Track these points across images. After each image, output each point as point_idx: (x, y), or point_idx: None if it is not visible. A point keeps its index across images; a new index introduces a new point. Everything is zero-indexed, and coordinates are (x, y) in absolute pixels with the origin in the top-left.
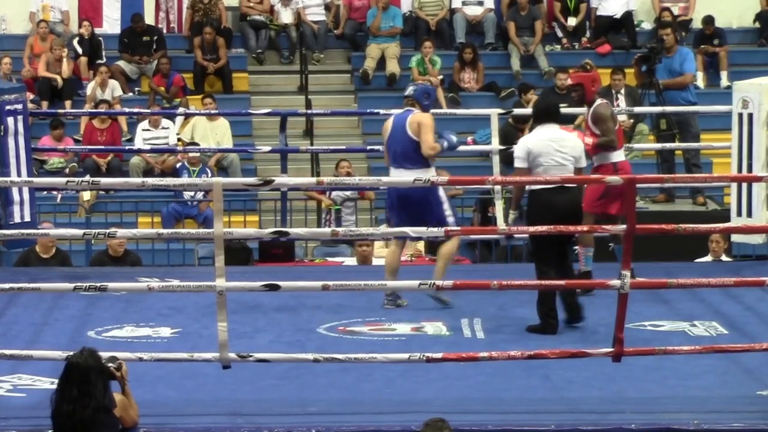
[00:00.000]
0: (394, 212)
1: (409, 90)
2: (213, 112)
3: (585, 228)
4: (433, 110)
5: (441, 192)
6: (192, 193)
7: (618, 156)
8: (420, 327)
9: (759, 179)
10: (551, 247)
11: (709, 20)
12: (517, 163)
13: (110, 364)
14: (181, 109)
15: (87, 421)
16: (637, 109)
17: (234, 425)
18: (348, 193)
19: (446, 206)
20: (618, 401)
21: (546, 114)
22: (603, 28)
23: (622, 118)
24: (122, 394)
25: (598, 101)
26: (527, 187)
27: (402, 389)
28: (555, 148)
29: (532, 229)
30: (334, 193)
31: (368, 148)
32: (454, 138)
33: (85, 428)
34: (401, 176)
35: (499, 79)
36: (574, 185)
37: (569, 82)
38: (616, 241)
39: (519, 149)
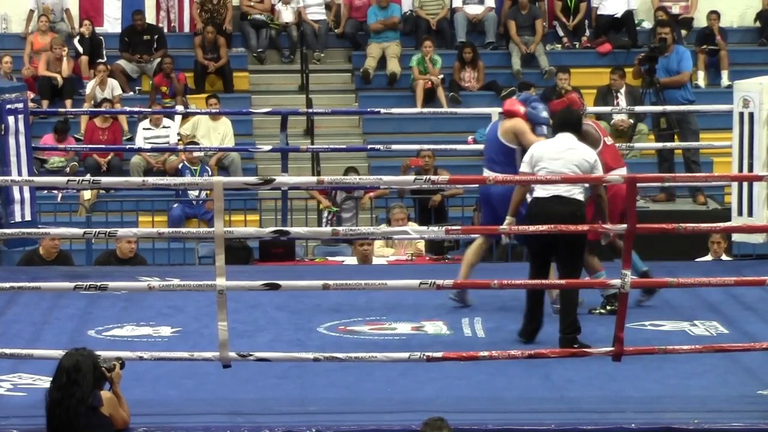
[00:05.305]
0: (483, 210)
1: None
2: (214, 111)
3: (586, 227)
4: (433, 109)
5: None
6: (196, 193)
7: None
8: (420, 326)
9: (760, 178)
10: (538, 255)
11: (714, 15)
12: (522, 168)
13: (103, 365)
14: (180, 108)
15: (71, 412)
16: (637, 109)
17: (234, 424)
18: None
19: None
20: (618, 400)
21: (564, 124)
22: (603, 27)
23: (622, 117)
24: (111, 394)
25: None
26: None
27: (402, 388)
28: (557, 156)
29: (531, 228)
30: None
31: (368, 147)
32: None
33: (69, 420)
34: None
35: (499, 78)
36: (574, 195)
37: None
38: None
39: (526, 155)
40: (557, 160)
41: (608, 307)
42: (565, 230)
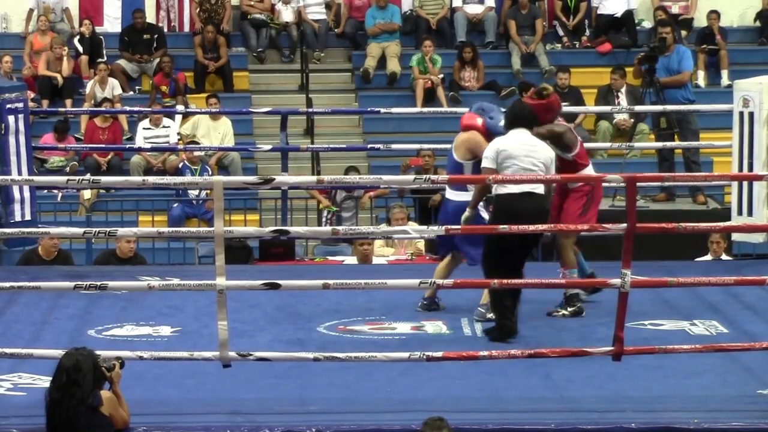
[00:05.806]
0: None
1: None
2: (214, 110)
3: (585, 227)
4: (433, 109)
5: (484, 213)
6: (196, 193)
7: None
8: (420, 326)
9: (759, 178)
10: (510, 254)
11: (714, 14)
12: (485, 163)
13: (103, 365)
14: (180, 107)
15: (71, 412)
16: (637, 108)
17: (234, 424)
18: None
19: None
20: (618, 400)
21: (519, 119)
22: (603, 26)
23: (623, 116)
24: (111, 394)
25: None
26: (494, 191)
27: (402, 388)
28: (525, 153)
29: (531, 228)
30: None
31: (368, 146)
32: None
33: (69, 420)
34: None
35: (499, 78)
36: (540, 191)
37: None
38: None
39: (489, 150)
40: (527, 157)
41: (569, 309)
42: (565, 230)
